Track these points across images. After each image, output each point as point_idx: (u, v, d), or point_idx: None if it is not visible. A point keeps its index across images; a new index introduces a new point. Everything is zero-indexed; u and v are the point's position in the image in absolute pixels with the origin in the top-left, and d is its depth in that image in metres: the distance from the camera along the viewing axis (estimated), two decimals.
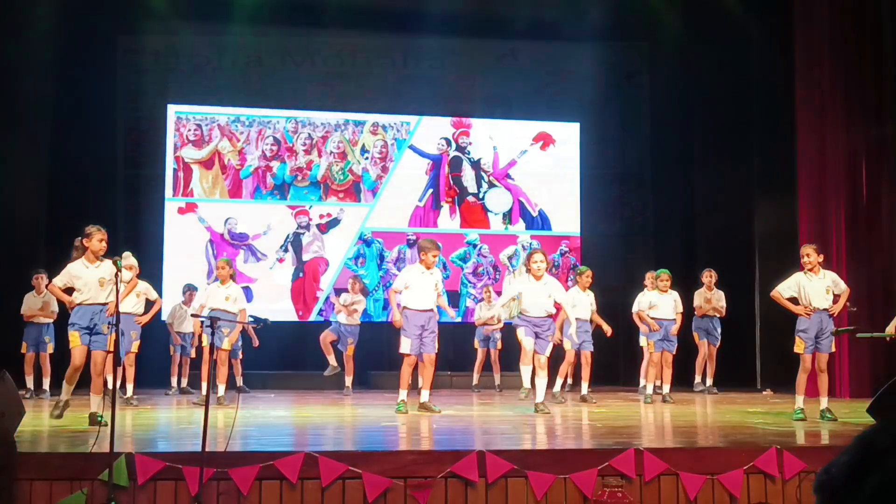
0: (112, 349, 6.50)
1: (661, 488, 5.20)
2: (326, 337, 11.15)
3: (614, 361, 12.42)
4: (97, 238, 6.80)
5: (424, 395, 8.26)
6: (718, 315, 11.36)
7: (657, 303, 10.12)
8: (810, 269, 7.78)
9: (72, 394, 7.09)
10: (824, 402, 7.74)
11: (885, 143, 11.23)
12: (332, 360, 11.10)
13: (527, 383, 8.31)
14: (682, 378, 11.36)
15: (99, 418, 6.51)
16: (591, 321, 10.33)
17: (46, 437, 6.25)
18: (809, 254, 7.82)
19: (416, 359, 8.34)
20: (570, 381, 11.05)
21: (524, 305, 8.36)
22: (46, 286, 10.27)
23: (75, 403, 7.23)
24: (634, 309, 10.84)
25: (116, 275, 5.71)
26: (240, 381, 10.81)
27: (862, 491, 1.24)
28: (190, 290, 11.28)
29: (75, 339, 6.85)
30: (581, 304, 10.02)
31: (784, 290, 7.86)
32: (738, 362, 12.30)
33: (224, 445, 5.15)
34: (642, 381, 11.13)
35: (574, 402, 9.87)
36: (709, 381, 11.33)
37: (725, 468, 5.28)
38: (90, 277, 6.81)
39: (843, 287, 7.89)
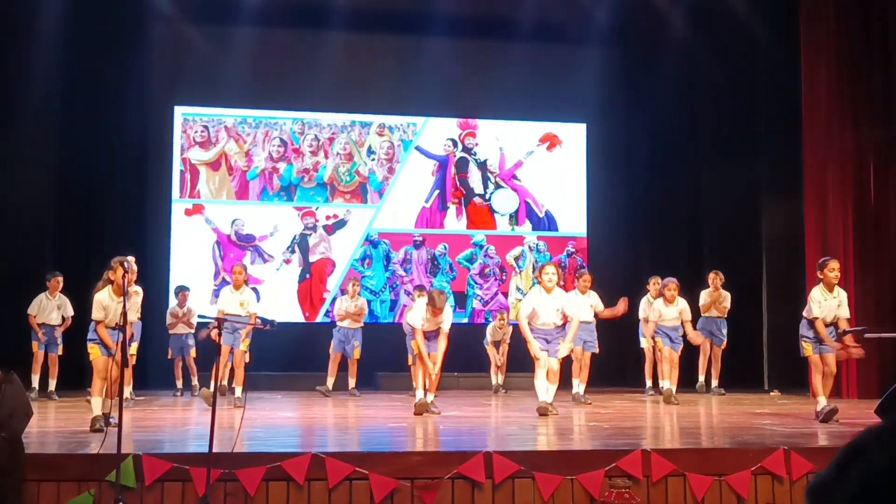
0: (117, 352, 6.54)
1: (669, 489, 5.20)
2: (337, 358, 11.13)
3: (620, 362, 12.38)
4: (121, 273, 6.88)
5: (429, 398, 8.29)
6: (723, 316, 11.32)
7: (665, 314, 10.05)
8: (834, 284, 7.73)
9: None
10: (823, 401, 7.72)
11: (892, 144, 11.19)
12: (330, 382, 11.05)
13: (542, 396, 8.26)
14: (688, 379, 11.33)
15: (111, 419, 6.54)
16: (597, 319, 10.24)
17: (54, 438, 6.27)
18: (835, 268, 7.76)
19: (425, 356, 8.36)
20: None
21: (536, 319, 8.31)
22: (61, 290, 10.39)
23: (81, 406, 7.24)
24: (641, 316, 10.78)
25: (124, 276, 5.72)
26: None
27: (847, 484, 1.23)
28: (182, 290, 11.24)
29: (96, 351, 7.01)
30: (582, 306, 9.98)
31: (817, 313, 7.76)
32: (745, 363, 12.26)
33: (231, 446, 5.15)
34: (649, 382, 11.11)
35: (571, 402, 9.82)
36: (714, 383, 11.29)
37: (733, 469, 5.27)
38: (112, 308, 6.99)
39: (845, 313, 7.85)
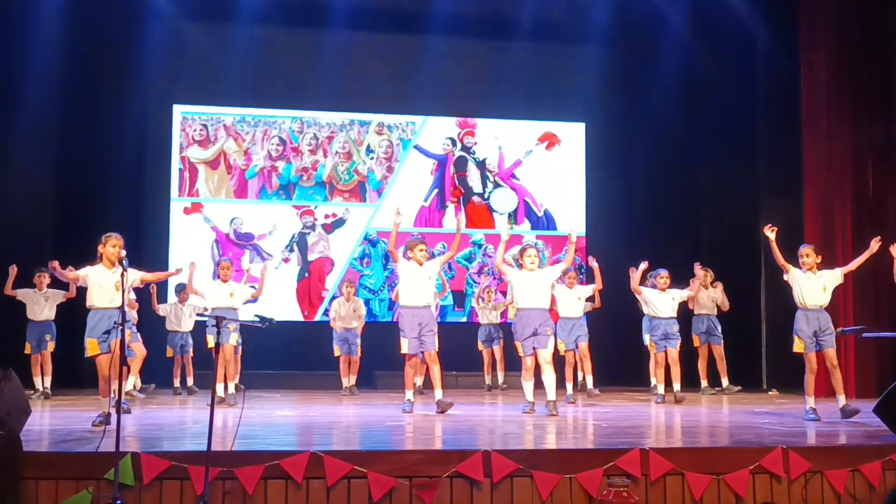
0: (115, 347, 6.56)
1: (667, 488, 5.20)
2: (346, 359, 11.19)
3: (620, 360, 12.38)
4: (110, 244, 6.94)
5: (438, 394, 8.25)
6: (721, 311, 11.28)
7: (656, 302, 10.05)
8: (808, 269, 7.81)
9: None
10: (842, 399, 7.71)
11: (891, 142, 11.21)
12: (346, 381, 11.15)
13: (529, 397, 8.29)
14: (688, 379, 11.31)
15: (99, 419, 6.57)
16: (591, 304, 10.24)
17: (52, 436, 6.26)
18: (809, 254, 7.89)
19: (418, 358, 8.33)
20: (579, 381, 11.04)
21: (519, 300, 8.31)
22: (49, 285, 10.40)
23: (83, 403, 7.23)
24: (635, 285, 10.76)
25: (122, 274, 5.71)
26: (237, 379, 10.67)
27: None
28: (183, 289, 11.26)
29: (94, 346, 6.86)
30: (569, 301, 9.98)
31: (787, 266, 7.87)
32: (743, 362, 12.24)
33: (230, 445, 5.15)
34: (653, 381, 11.10)
35: (582, 400, 9.82)
36: (725, 381, 11.24)
37: (731, 468, 5.28)
38: (106, 281, 6.90)
39: (839, 276, 7.90)
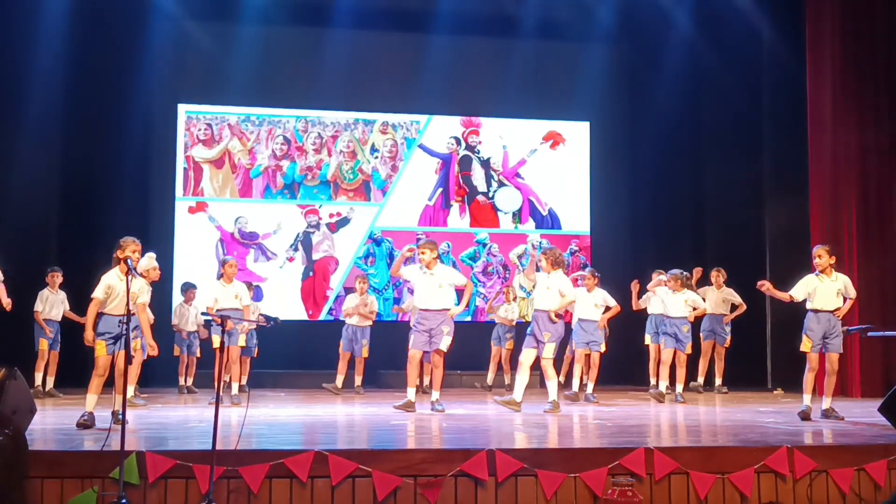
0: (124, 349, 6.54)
1: (672, 487, 5.20)
2: (346, 356, 11.16)
3: (622, 360, 12.36)
4: (129, 250, 6.83)
5: (435, 395, 8.28)
6: (727, 314, 11.26)
7: (669, 302, 10.05)
8: (822, 271, 7.75)
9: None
10: (827, 402, 7.72)
11: None
12: (339, 381, 11.08)
13: (518, 396, 8.35)
14: (690, 377, 11.30)
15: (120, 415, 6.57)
16: (600, 321, 10.23)
17: (58, 435, 6.27)
18: (821, 255, 7.79)
19: (421, 356, 8.35)
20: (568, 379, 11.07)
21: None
22: (61, 284, 10.40)
23: (83, 403, 7.21)
24: (643, 304, 10.79)
25: (127, 273, 5.71)
26: (244, 380, 10.67)
27: None
28: (189, 288, 11.26)
29: (101, 348, 6.83)
30: (587, 304, 9.98)
31: (796, 293, 7.83)
32: (748, 361, 12.23)
33: (234, 444, 5.16)
34: (653, 380, 11.08)
35: (579, 402, 9.81)
36: (718, 381, 11.25)
37: (736, 467, 5.27)
38: (122, 290, 6.77)
39: (852, 293, 7.86)
